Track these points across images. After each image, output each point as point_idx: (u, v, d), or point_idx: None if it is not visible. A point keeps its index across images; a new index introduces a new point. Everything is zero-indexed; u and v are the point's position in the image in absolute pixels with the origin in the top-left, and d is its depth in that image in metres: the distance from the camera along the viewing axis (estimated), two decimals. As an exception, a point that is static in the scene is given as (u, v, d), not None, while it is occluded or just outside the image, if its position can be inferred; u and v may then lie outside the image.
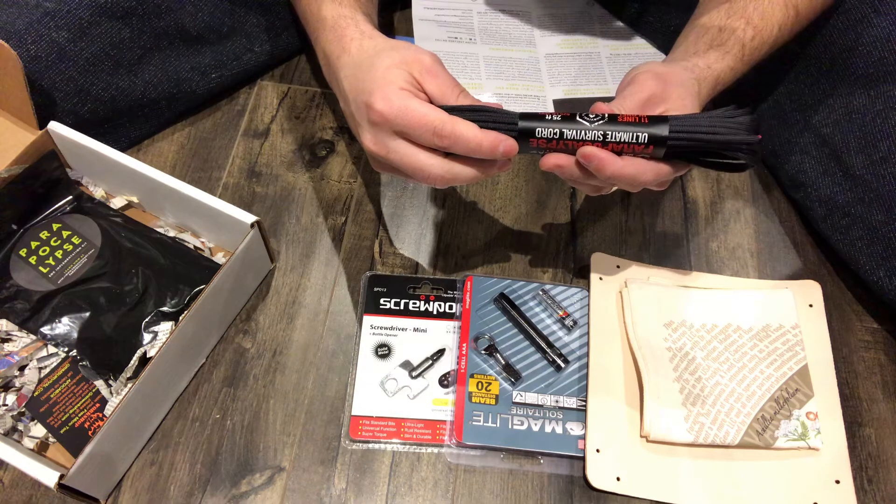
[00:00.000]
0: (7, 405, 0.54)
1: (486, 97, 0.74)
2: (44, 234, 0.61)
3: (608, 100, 0.73)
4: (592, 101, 0.74)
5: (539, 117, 0.47)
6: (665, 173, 0.48)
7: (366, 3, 0.57)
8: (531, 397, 0.57)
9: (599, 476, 0.54)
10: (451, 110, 0.47)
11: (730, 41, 0.54)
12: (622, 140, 0.46)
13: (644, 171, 0.47)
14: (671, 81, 0.50)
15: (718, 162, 0.48)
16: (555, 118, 0.47)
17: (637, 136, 0.46)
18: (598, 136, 0.46)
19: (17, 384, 0.55)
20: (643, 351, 0.58)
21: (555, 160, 0.48)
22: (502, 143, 0.46)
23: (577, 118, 0.47)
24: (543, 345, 0.59)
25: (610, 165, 0.46)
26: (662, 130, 0.46)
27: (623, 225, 0.67)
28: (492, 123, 0.47)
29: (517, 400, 0.57)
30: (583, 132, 0.46)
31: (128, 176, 0.59)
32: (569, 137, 0.47)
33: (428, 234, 0.66)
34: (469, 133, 0.45)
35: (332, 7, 0.54)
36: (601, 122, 0.46)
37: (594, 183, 0.49)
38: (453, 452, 0.55)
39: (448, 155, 0.47)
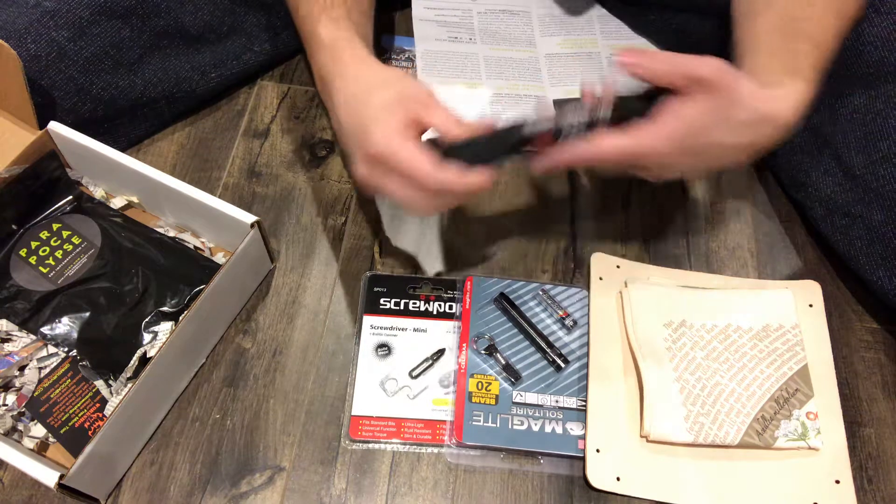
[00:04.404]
0: (7, 405, 0.54)
1: (486, 97, 0.74)
2: (44, 234, 0.61)
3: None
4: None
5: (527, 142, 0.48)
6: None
7: (362, 25, 0.56)
8: (531, 397, 0.57)
9: (599, 476, 0.54)
10: (448, 151, 0.47)
11: (809, 73, 0.49)
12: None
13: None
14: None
15: None
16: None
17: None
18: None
19: (17, 384, 0.55)
20: (643, 351, 0.58)
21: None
22: (482, 181, 0.47)
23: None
24: (543, 345, 0.59)
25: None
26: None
27: (623, 225, 0.67)
28: (487, 155, 0.48)
29: (517, 400, 0.57)
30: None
31: (128, 176, 0.59)
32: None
33: (428, 234, 0.66)
34: (452, 181, 0.46)
35: (330, 28, 0.54)
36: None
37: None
38: (453, 452, 0.55)
39: None
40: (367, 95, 0.49)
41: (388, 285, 0.62)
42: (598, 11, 0.81)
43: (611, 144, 0.47)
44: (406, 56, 0.77)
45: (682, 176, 0.50)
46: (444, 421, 0.56)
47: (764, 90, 0.47)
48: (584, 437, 0.55)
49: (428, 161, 0.46)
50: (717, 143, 0.47)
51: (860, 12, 0.54)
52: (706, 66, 0.45)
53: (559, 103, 0.74)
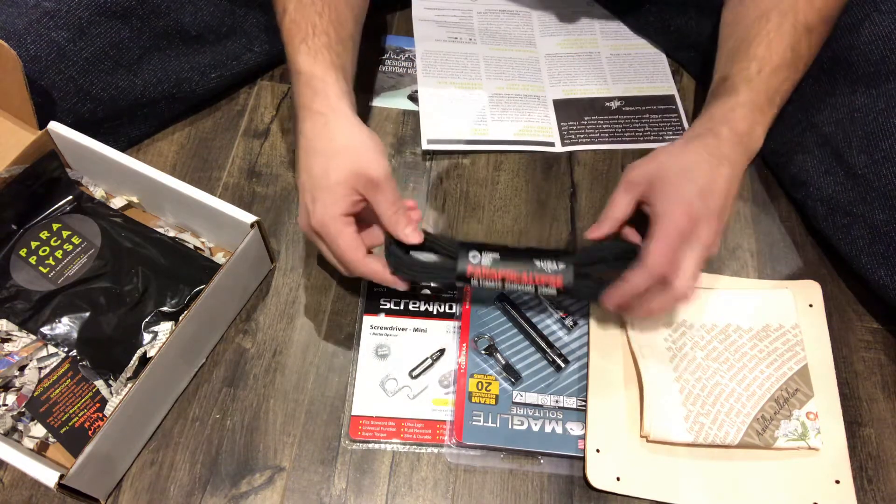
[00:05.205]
0: (7, 405, 0.54)
1: (487, 97, 0.74)
2: (44, 234, 0.61)
3: (608, 99, 0.74)
4: (592, 100, 0.74)
5: (466, 278, 0.52)
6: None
7: (342, 54, 0.56)
8: (531, 397, 0.57)
9: (599, 476, 0.54)
10: (392, 257, 0.52)
11: (739, 85, 0.54)
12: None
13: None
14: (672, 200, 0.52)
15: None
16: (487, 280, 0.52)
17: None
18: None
19: (17, 384, 0.55)
20: (643, 351, 0.58)
21: None
22: (400, 286, 0.53)
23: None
24: (543, 345, 0.59)
25: None
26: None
27: (623, 225, 0.67)
28: (421, 277, 0.53)
29: (517, 400, 0.57)
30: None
31: (128, 176, 0.59)
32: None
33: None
34: (374, 274, 0.52)
35: (307, 61, 0.54)
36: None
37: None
38: (453, 452, 0.55)
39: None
40: (325, 162, 0.51)
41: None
42: (598, 11, 0.81)
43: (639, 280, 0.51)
44: (406, 56, 0.77)
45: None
46: (444, 421, 0.56)
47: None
48: (584, 437, 0.55)
49: (358, 250, 0.51)
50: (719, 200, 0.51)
51: (818, 46, 0.58)
52: (636, 186, 0.54)
53: (559, 104, 0.74)
